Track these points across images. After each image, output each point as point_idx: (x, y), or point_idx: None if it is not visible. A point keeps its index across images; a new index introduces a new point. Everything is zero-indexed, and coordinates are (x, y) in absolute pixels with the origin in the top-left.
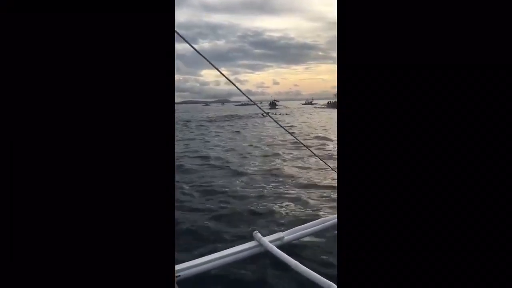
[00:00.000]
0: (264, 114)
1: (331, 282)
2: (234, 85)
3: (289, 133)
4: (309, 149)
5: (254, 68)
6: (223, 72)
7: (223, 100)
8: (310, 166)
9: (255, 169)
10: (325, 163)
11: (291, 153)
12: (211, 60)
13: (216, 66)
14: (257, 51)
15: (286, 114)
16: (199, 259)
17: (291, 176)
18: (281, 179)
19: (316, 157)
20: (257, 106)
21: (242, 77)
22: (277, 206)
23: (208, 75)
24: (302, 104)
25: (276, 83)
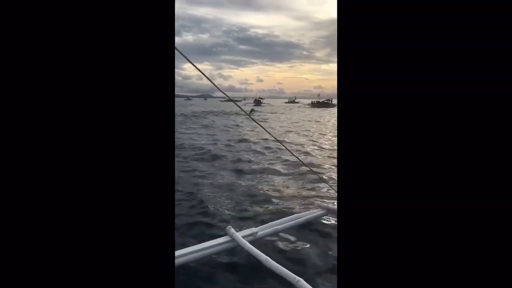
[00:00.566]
0: (247, 115)
1: (299, 278)
2: (213, 83)
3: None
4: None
5: (238, 64)
6: (209, 66)
7: (205, 95)
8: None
9: None
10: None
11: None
12: (194, 54)
13: (201, 61)
14: (242, 47)
15: (272, 112)
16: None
17: None
18: None
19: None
20: (238, 106)
21: (225, 72)
22: None
23: (191, 68)
24: (285, 102)
25: (259, 80)
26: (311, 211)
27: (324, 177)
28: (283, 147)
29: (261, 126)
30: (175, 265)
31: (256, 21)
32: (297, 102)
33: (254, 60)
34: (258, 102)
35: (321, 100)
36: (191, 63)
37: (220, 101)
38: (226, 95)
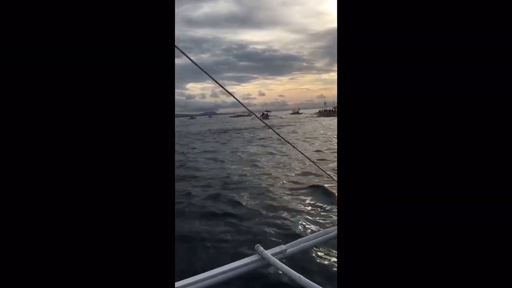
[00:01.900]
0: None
1: None
2: (234, 97)
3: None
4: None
5: (239, 80)
6: (211, 85)
7: (210, 112)
8: None
9: None
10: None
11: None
12: (196, 73)
13: (203, 79)
14: (242, 63)
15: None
16: (200, 275)
17: None
18: None
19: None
20: (262, 121)
21: (228, 89)
22: None
23: (194, 88)
24: (290, 114)
25: (262, 94)
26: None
27: None
28: None
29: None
30: (206, 286)
31: (255, 37)
32: (301, 113)
33: (255, 75)
34: (265, 116)
35: (328, 109)
36: (210, 77)
37: (230, 116)
38: (248, 109)
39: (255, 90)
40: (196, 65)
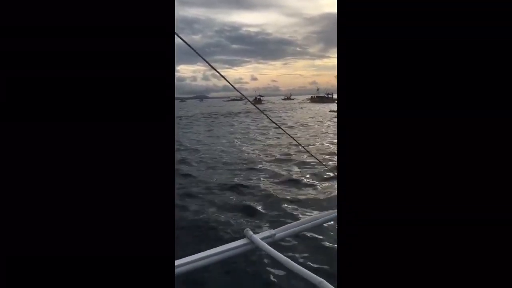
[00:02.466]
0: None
1: (321, 279)
2: (227, 80)
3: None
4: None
5: (232, 63)
6: (203, 67)
7: (201, 96)
8: None
9: None
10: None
11: None
12: (188, 55)
13: (194, 61)
14: (235, 46)
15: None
16: (188, 257)
17: None
18: None
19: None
20: (257, 108)
21: (220, 72)
22: None
23: (185, 70)
24: (282, 99)
25: (254, 78)
26: (328, 211)
27: None
28: None
29: None
30: (196, 267)
31: (248, 19)
32: (293, 99)
33: (247, 59)
34: (258, 100)
35: (321, 95)
36: (204, 59)
37: (224, 101)
38: (242, 94)
39: (248, 74)
40: (189, 46)
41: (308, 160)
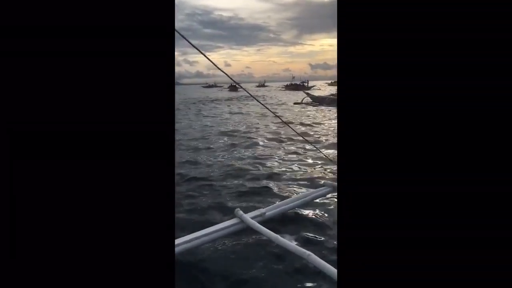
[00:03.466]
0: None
1: (309, 252)
2: (223, 71)
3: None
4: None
5: (204, 49)
6: (177, 52)
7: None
8: None
9: None
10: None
11: None
12: None
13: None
14: (207, 30)
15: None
16: (181, 238)
17: None
18: None
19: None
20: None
21: (191, 58)
22: None
23: None
24: (256, 86)
25: (228, 65)
26: (317, 189)
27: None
28: None
29: None
30: (187, 248)
31: (220, 3)
32: (266, 86)
33: (220, 44)
34: (234, 87)
35: (296, 83)
36: (203, 54)
37: (203, 87)
38: (236, 83)
39: (221, 60)
40: (191, 44)
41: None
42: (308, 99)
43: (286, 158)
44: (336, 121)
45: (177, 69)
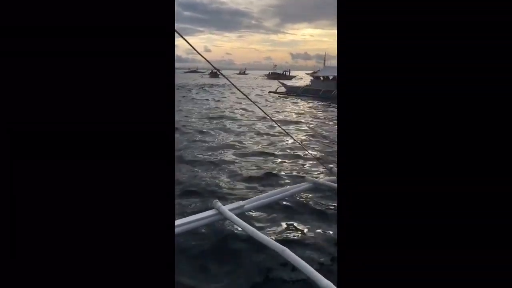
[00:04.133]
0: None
1: (284, 247)
2: (206, 58)
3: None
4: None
5: (183, 32)
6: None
7: None
8: None
9: None
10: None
11: None
12: None
13: None
14: (187, 13)
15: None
16: None
17: None
18: None
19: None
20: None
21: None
22: None
23: None
24: (236, 74)
25: (208, 50)
26: (298, 184)
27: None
28: None
29: None
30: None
31: None
32: (247, 74)
33: (200, 29)
34: (214, 74)
35: (278, 72)
36: (186, 41)
37: (184, 72)
38: (217, 69)
39: (201, 45)
40: (191, 45)
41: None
42: (282, 89)
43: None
44: (296, 109)
45: None
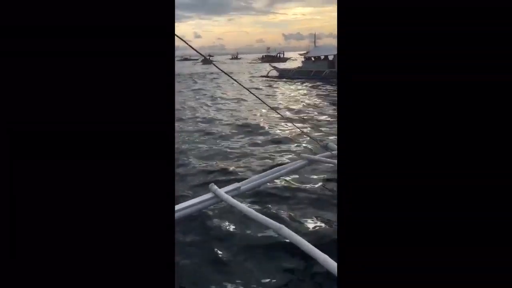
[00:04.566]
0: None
1: (281, 225)
2: (198, 51)
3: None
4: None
5: None
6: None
7: None
8: None
9: None
10: None
11: None
12: None
13: None
14: None
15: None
16: None
17: None
18: None
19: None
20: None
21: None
22: None
23: None
24: (229, 59)
25: (198, 36)
26: (293, 162)
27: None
28: None
29: None
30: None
31: None
32: (240, 58)
33: (188, 14)
34: (207, 60)
35: (272, 55)
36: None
37: (177, 60)
38: (206, 57)
39: (190, 31)
40: (190, 45)
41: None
42: (274, 72)
43: None
44: (289, 91)
45: None
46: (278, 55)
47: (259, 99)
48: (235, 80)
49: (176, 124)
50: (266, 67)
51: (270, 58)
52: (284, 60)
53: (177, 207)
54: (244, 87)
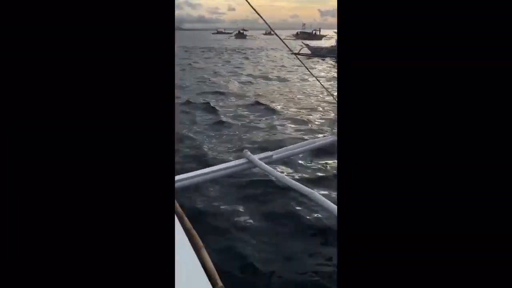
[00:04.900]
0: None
1: (312, 190)
2: (261, 16)
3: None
4: None
5: None
6: None
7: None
8: None
9: None
10: None
11: None
12: None
13: None
14: None
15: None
16: (195, 172)
17: None
18: None
19: None
20: (288, 47)
21: (193, 0)
22: None
23: None
24: (264, 34)
25: (232, 9)
26: (324, 137)
27: None
28: None
29: None
30: (196, 183)
31: None
32: (272, 34)
33: None
34: (241, 34)
35: (307, 31)
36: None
37: (212, 33)
38: (273, 30)
39: (224, 3)
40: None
41: None
42: (307, 50)
43: None
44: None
45: (178, 12)
46: (314, 32)
47: (328, 92)
48: (316, 78)
49: None
50: (300, 44)
51: (306, 35)
52: (320, 37)
53: (210, 169)
54: (323, 86)
